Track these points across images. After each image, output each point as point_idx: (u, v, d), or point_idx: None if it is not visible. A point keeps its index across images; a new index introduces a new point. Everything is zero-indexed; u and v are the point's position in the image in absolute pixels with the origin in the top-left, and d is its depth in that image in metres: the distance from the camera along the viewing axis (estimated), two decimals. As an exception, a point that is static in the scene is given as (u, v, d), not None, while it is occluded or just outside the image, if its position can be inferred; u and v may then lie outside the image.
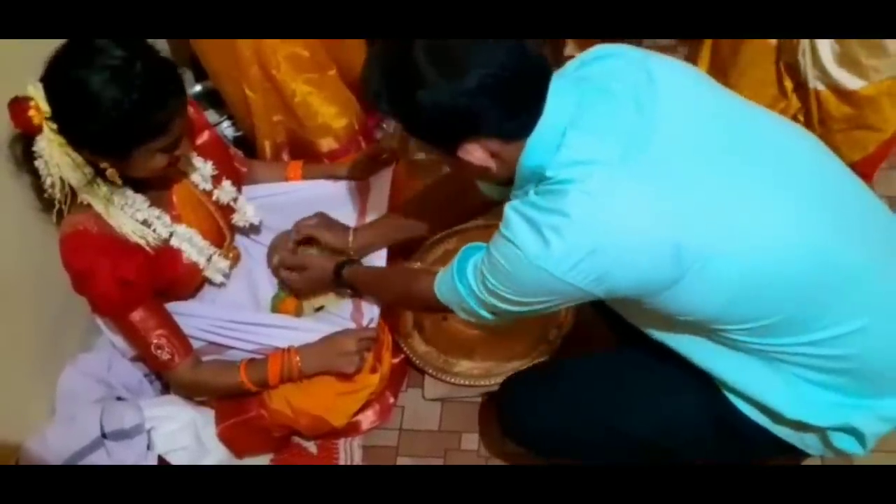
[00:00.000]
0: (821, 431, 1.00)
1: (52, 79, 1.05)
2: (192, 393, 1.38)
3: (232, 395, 1.35)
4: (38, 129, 1.07)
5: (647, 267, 0.86)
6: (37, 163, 1.11)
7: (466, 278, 1.03)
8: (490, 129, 0.89)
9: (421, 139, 0.95)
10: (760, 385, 0.98)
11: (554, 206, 0.87)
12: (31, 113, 1.05)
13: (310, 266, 1.37)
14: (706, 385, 1.04)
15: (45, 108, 1.05)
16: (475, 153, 0.91)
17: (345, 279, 1.34)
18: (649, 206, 0.85)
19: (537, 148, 0.90)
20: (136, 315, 1.22)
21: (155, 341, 1.24)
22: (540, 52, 0.90)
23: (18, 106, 1.06)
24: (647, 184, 0.86)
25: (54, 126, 1.07)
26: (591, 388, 1.13)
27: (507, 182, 0.98)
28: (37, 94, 1.05)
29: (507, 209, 0.93)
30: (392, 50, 0.89)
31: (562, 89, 0.91)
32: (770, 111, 1.02)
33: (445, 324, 1.59)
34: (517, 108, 0.89)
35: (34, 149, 1.10)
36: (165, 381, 1.41)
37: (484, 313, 1.05)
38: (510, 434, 1.26)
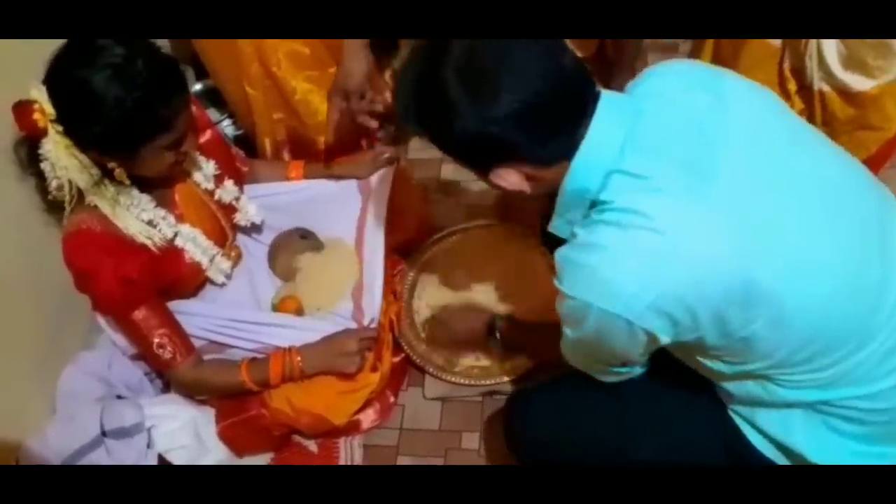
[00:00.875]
0: None
1: (55, 80, 1.05)
2: (194, 392, 1.38)
3: (233, 395, 1.34)
4: (44, 132, 1.08)
5: (719, 298, 0.81)
6: (43, 165, 1.11)
7: None
8: (523, 156, 0.85)
9: (453, 159, 0.91)
10: (784, 427, 0.96)
11: (615, 242, 0.82)
12: (37, 116, 1.06)
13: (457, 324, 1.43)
14: (717, 407, 1.01)
15: (50, 110, 1.05)
16: (509, 178, 0.87)
17: (499, 332, 1.36)
18: (720, 239, 0.80)
19: (585, 170, 0.85)
20: (139, 314, 1.23)
21: (157, 340, 1.24)
22: (579, 66, 0.85)
23: (23, 109, 1.06)
24: (717, 216, 0.81)
25: (60, 128, 1.07)
26: (598, 409, 1.09)
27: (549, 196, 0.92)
28: (40, 96, 1.05)
29: (558, 257, 0.88)
30: (422, 67, 0.85)
31: (615, 107, 0.86)
32: (824, 138, 0.97)
33: (445, 322, 1.58)
34: (551, 135, 0.84)
35: (40, 151, 1.10)
36: (166, 379, 1.41)
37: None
38: (515, 451, 1.24)
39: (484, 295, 1.57)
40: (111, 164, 1.13)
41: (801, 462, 0.97)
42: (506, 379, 1.48)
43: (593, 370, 1.03)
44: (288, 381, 1.31)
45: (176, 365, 1.27)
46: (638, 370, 1.02)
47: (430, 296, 1.60)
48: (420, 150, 1.97)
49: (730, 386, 0.96)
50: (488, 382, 1.49)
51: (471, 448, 1.47)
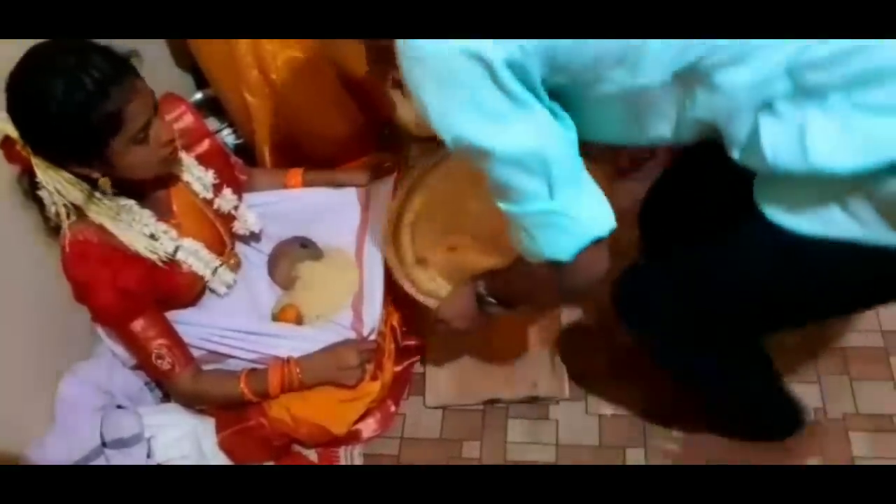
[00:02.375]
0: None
1: (9, 104, 1.05)
2: (193, 402, 1.37)
3: (232, 405, 1.34)
4: (30, 161, 1.08)
5: None
6: (40, 193, 1.12)
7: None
8: None
9: None
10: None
11: None
12: (19, 147, 1.07)
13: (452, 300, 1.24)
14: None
15: (15, 134, 1.06)
16: None
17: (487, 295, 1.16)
18: None
19: None
20: (137, 325, 1.22)
21: (155, 351, 1.24)
22: None
23: (7, 145, 1.07)
24: None
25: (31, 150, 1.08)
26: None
27: None
28: (7, 125, 1.06)
29: None
30: None
31: None
32: None
33: (455, 255, 1.41)
34: None
35: (37, 180, 1.11)
36: (166, 389, 1.41)
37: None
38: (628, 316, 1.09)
39: (465, 255, 1.40)
40: (94, 175, 1.12)
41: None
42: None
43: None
44: (287, 392, 1.30)
45: (175, 375, 1.26)
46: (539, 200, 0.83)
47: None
48: (418, 157, 1.96)
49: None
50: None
51: (472, 457, 1.46)
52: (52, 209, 1.13)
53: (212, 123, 1.83)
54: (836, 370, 1.43)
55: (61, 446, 1.34)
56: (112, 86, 1.04)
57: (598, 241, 0.85)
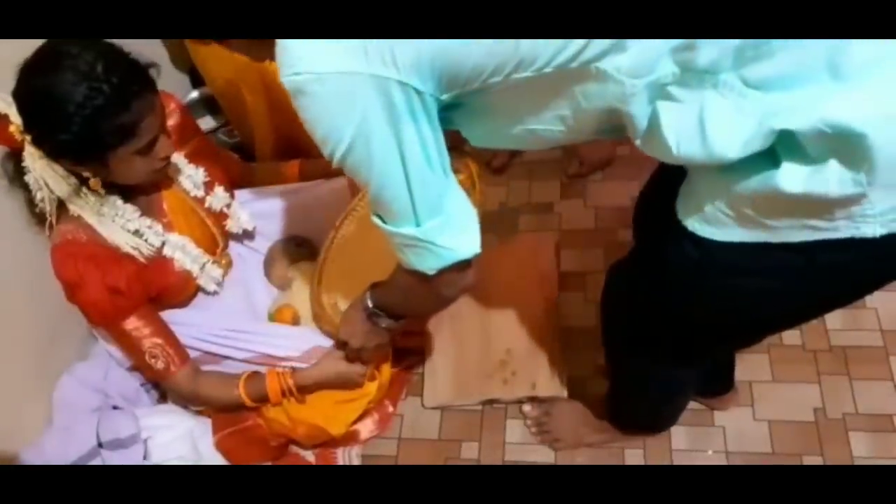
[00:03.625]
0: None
1: (19, 90, 1.04)
2: (190, 402, 1.37)
3: (230, 409, 1.33)
4: (21, 145, 1.07)
5: None
6: (26, 178, 1.11)
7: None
8: None
9: None
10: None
11: None
12: (13, 129, 1.05)
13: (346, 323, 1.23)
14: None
15: (19, 121, 1.04)
16: None
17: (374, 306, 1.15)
18: None
19: None
20: (129, 324, 1.21)
21: (149, 350, 1.23)
22: None
23: (0, 123, 1.05)
24: None
25: (29, 138, 1.06)
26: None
27: None
28: (10, 109, 1.05)
29: None
30: None
31: None
32: None
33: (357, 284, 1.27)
34: None
35: (23, 164, 1.09)
36: (163, 390, 1.40)
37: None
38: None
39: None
40: (85, 174, 1.12)
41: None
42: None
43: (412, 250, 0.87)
44: (288, 398, 1.30)
45: (170, 375, 1.26)
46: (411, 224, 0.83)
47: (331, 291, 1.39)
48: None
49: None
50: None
51: (470, 458, 1.46)
52: (39, 195, 1.12)
53: (208, 122, 1.82)
54: (836, 370, 1.43)
55: (58, 447, 1.34)
56: (134, 99, 1.04)
57: (462, 261, 0.87)
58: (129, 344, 1.24)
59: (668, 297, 0.95)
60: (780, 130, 0.69)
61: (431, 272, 0.88)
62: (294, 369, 1.30)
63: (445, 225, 0.84)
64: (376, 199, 0.81)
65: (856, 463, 1.32)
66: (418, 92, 0.72)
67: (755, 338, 1.11)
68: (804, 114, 0.67)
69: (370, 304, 1.14)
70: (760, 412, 1.40)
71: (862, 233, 0.72)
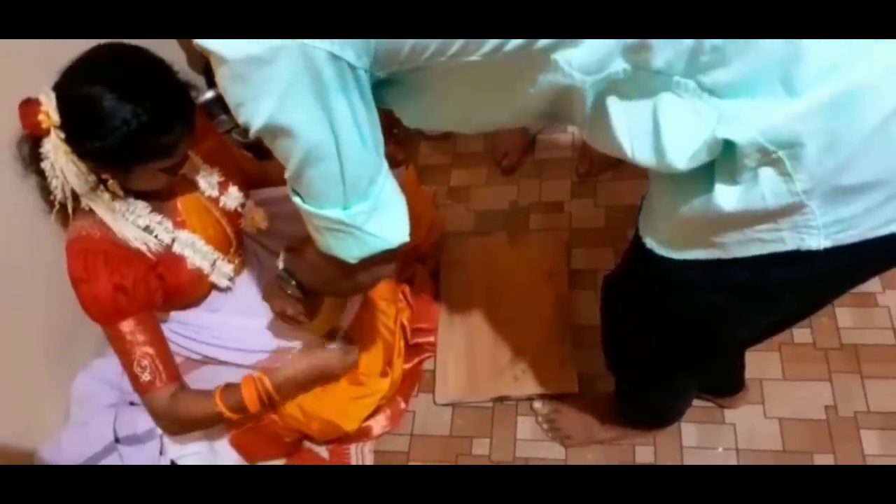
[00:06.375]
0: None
1: (65, 90, 1.04)
2: (165, 425, 1.27)
3: (212, 425, 1.31)
4: (46, 133, 1.07)
5: None
6: (43, 164, 1.10)
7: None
8: None
9: None
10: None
11: None
12: (41, 117, 1.05)
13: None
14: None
15: (55, 116, 1.06)
16: None
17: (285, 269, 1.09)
18: None
19: None
20: (126, 325, 1.19)
21: (139, 358, 1.20)
22: None
23: (29, 108, 1.05)
24: None
25: (62, 135, 1.07)
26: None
27: None
28: (48, 102, 1.06)
29: None
30: None
31: None
32: None
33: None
34: None
35: (41, 150, 1.09)
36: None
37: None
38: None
39: None
40: (105, 176, 1.13)
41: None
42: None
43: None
44: (266, 406, 1.28)
45: (154, 389, 1.21)
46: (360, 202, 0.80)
47: None
48: (429, 155, 1.97)
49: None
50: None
51: (482, 454, 1.47)
52: (54, 182, 1.12)
53: (224, 122, 1.84)
54: (847, 368, 1.43)
55: (76, 442, 1.36)
56: (178, 123, 1.05)
57: (387, 250, 0.83)
58: (121, 348, 1.20)
59: (639, 310, 0.96)
60: (722, 140, 0.67)
61: (352, 260, 0.83)
62: (267, 371, 1.27)
63: (374, 210, 0.79)
64: (297, 175, 0.76)
65: (867, 461, 1.32)
66: (352, 67, 0.67)
67: (725, 352, 1.12)
68: (747, 124, 0.66)
69: (280, 266, 1.08)
70: (771, 410, 1.41)
71: (807, 245, 0.71)
